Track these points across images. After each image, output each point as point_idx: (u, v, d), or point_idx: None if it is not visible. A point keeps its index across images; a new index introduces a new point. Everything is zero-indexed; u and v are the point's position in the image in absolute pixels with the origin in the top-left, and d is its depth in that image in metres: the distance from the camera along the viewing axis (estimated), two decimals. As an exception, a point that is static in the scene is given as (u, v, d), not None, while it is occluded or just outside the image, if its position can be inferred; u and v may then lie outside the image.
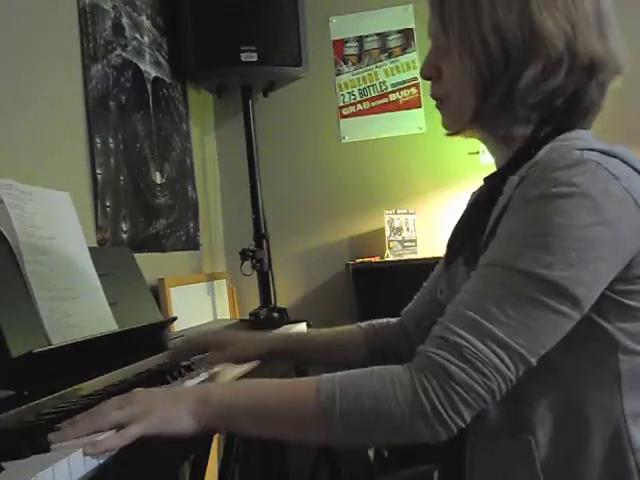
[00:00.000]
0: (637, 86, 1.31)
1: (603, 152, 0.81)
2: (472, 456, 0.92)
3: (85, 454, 0.70)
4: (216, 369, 1.13)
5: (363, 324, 1.21)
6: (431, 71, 0.96)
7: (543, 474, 0.83)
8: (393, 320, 1.21)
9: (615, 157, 0.82)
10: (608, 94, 0.93)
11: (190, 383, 1.02)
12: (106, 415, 0.78)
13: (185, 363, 1.18)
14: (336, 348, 1.21)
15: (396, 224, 2.46)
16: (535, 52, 0.87)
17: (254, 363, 1.20)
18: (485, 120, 0.93)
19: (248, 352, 1.19)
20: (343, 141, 2.64)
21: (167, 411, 0.80)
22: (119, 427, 0.76)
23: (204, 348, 1.22)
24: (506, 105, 0.89)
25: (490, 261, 0.81)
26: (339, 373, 0.82)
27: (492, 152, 1.00)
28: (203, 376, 1.07)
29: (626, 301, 0.81)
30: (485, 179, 1.01)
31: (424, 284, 1.18)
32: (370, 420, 0.77)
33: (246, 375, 1.15)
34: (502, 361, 0.75)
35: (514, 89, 0.88)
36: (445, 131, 0.99)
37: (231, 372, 1.13)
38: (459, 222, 1.06)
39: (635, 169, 0.83)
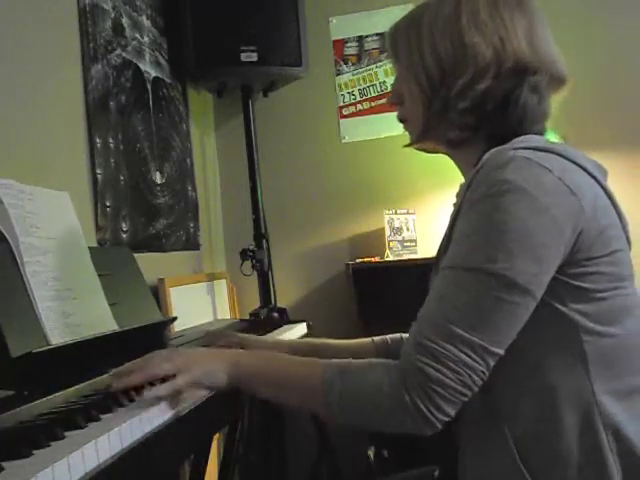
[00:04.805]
0: None
1: (537, 149, 0.88)
2: (462, 447, 0.96)
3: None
4: None
5: (377, 338, 1.26)
6: (394, 98, 1.08)
7: (521, 459, 0.87)
8: (406, 336, 1.23)
9: (550, 152, 0.88)
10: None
11: None
12: (156, 367, 0.93)
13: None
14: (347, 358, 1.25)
15: (396, 224, 2.46)
16: (465, 64, 0.97)
17: None
18: (433, 132, 1.03)
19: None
20: (343, 141, 2.64)
21: (207, 365, 0.96)
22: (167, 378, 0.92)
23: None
24: (444, 114, 0.99)
25: (446, 264, 0.89)
26: (342, 360, 0.94)
27: (459, 169, 1.07)
28: None
29: (578, 283, 0.87)
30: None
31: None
32: (362, 406, 0.89)
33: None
34: (469, 357, 0.83)
35: (449, 99, 0.98)
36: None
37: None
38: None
39: (574, 162, 0.89)
